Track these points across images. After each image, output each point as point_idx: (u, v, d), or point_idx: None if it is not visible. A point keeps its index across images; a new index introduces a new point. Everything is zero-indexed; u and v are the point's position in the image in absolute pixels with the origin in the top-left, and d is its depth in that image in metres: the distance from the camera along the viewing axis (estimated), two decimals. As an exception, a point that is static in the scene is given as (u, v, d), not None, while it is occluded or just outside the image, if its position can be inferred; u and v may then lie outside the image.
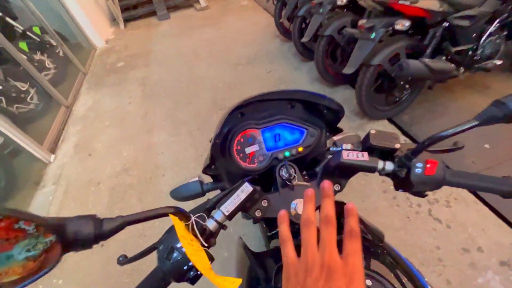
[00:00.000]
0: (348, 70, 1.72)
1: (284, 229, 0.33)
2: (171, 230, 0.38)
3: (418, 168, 0.41)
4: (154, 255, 0.38)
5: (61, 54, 3.38)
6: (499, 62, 1.76)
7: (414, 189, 0.43)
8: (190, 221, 0.38)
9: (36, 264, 0.28)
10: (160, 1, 4.80)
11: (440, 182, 0.42)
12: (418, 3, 1.48)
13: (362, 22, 1.67)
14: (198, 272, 0.35)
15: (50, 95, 2.70)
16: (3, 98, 2.42)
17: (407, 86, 1.78)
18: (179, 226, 0.35)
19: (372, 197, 1.55)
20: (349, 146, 0.48)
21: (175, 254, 0.35)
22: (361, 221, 0.54)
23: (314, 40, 2.30)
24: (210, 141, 0.55)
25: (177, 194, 0.66)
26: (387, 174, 0.45)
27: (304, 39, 2.26)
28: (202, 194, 0.65)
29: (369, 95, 1.79)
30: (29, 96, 2.62)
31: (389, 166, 0.44)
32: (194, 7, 4.94)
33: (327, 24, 2.06)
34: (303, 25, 2.58)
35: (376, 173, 0.46)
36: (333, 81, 2.36)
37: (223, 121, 0.52)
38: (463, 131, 0.38)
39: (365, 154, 0.44)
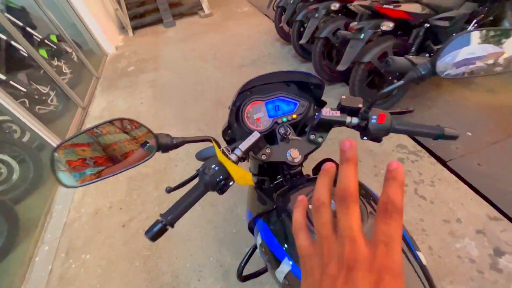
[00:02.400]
0: (341, 67, 1.91)
1: (298, 215, 0.26)
2: (207, 161, 0.56)
3: (373, 119, 0.60)
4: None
5: (75, 60, 3.62)
6: (478, 58, 1.94)
7: (372, 135, 0.61)
8: (221, 148, 0.56)
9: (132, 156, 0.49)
10: (166, 9, 5.07)
11: (389, 129, 0.60)
12: (401, 7, 1.68)
13: (353, 24, 1.87)
14: (227, 184, 0.54)
15: (68, 97, 2.92)
16: (26, 100, 2.65)
17: (395, 81, 1.96)
18: (217, 147, 0.55)
19: (364, 180, 1.72)
20: (328, 109, 0.66)
21: (212, 170, 0.53)
22: None
23: (311, 42, 2.50)
24: (228, 108, 0.73)
25: (200, 155, 0.85)
26: (354, 127, 0.64)
27: (302, 41, 2.47)
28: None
29: (362, 90, 1.98)
30: (50, 99, 2.84)
31: (355, 120, 0.62)
32: (198, 14, 5.20)
33: (322, 27, 2.26)
34: (301, 29, 2.78)
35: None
36: (329, 79, 2.55)
37: (236, 95, 0.71)
38: (395, 88, 0.56)
39: (338, 112, 0.62)
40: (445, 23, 1.78)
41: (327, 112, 0.62)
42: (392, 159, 1.80)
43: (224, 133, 0.76)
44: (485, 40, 0.65)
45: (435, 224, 1.43)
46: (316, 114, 0.66)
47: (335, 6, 2.22)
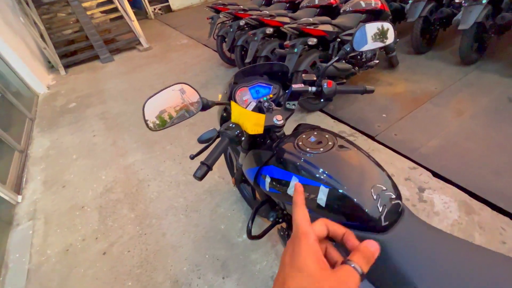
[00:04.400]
0: (284, 76, 2.33)
1: (297, 196, 0.35)
2: (225, 123, 0.77)
3: (324, 85, 0.91)
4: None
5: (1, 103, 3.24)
6: (377, 61, 2.64)
7: (326, 96, 0.92)
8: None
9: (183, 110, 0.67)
10: (101, 46, 5.01)
11: (334, 91, 0.92)
12: (318, 27, 2.23)
13: (287, 42, 2.34)
14: (243, 137, 0.75)
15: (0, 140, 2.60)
16: None
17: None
18: (235, 104, 0.75)
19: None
20: (296, 84, 0.95)
21: (231, 127, 0.74)
22: (311, 124, 1.00)
23: (254, 61, 2.92)
24: (226, 92, 0.95)
25: (201, 138, 1.03)
26: (314, 94, 0.94)
27: (247, 60, 2.86)
28: (218, 136, 1.04)
29: (302, 93, 2.43)
30: (-24, 146, 2.48)
31: (313, 88, 0.93)
32: (137, 49, 5.28)
33: (262, 48, 2.71)
34: (243, 52, 3.22)
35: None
36: (275, 90, 2.99)
37: (229, 85, 0.95)
38: (335, 61, 0.89)
39: (302, 84, 0.92)
40: (350, 38, 2.40)
41: (296, 86, 0.91)
42: (337, 143, 2.23)
43: (221, 115, 0.98)
44: (375, 38, 1.06)
45: (377, 181, 1.85)
46: (288, 90, 0.95)
47: (270, 30, 2.71)
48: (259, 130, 0.77)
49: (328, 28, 2.29)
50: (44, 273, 1.60)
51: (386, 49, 2.87)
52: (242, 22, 3.03)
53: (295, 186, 0.37)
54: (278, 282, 0.28)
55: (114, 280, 1.51)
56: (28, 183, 2.32)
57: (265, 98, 1.01)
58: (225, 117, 1.02)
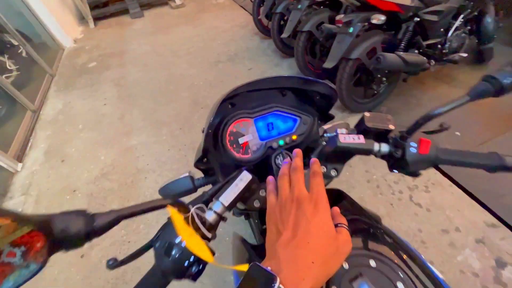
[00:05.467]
0: (328, 64, 1.75)
1: (283, 169, 0.41)
2: (167, 225, 0.35)
3: (412, 147, 0.42)
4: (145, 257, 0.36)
5: (24, 54, 3.12)
6: (464, 55, 1.88)
7: (410, 169, 0.44)
8: (190, 213, 0.35)
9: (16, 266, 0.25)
10: (132, -1, 4.61)
11: (434, 161, 0.43)
12: (391, -2, 1.54)
13: (340, 17, 1.71)
14: (200, 267, 0.33)
15: (14, 99, 2.48)
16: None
17: (384, 79, 1.84)
18: (178, 219, 0.33)
19: (357, 187, 1.59)
20: (344, 130, 0.48)
21: (174, 250, 0.32)
22: (358, 205, 0.54)
23: (293, 36, 2.32)
24: (203, 132, 0.52)
25: (167, 191, 0.62)
26: (383, 156, 0.46)
27: (284, 35, 2.28)
28: (194, 190, 0.62)
29: (349, 88, 1.84)
30: (-14, 101, 2.39)
31: (385, 147, 0.44)
32: (169, 5, 4.80)
33: (305, 20, 2.08)
34: (282, 22, 2.59)
35: (363, 161, 0.46)
36: (313, 76, 2.39)
37: (214, 111, 0.50)
38: (456, 107, 0.39)
39: (361, 136, 0.44)
40: (434, 17, 1.68)
41: (346, 138, 0.43)
42: (383, 163, 1.69)
43: (198, 163, 0.54)
44: None
45: (433, 234, 1.33)
46: (327, 140, 0.48)
47: (319, -4, 2.05)
48: (209, 260, 0.33)
49: (405, 0, 1.59)
50: (20, 265, 1.46)
51: (482, 35, 2.05)
52: (285, -18, 2.36)
53: (295, 153, 0.43)
54: (300, 229, 0.31)
55: (84, 294, 1.30)
56: (32, 150, 2.20)
57: (281, 142, 0.54)
58: (206, 165, 0.57)
